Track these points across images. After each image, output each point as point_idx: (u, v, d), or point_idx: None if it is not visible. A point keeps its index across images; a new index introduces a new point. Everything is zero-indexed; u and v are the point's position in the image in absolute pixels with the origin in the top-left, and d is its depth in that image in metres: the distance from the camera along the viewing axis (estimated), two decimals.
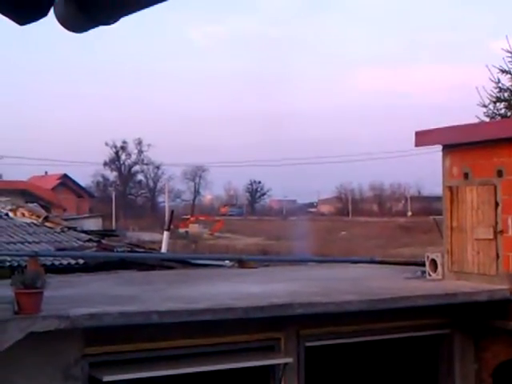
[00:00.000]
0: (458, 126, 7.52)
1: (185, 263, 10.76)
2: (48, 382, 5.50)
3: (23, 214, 15.94)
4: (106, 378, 5.58)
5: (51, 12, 2.44)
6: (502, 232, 6.97)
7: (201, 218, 72.28)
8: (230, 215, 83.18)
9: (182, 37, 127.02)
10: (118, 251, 12.19)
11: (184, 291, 6.75)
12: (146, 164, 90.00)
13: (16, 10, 2.37)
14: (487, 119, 15.21)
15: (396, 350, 7.88)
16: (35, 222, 14.98)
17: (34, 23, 2.44)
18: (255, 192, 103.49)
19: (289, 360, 6.37)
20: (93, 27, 2.42)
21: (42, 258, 10.28)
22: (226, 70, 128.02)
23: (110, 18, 2.35)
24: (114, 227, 43.92)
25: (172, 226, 22.69)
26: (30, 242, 12.82)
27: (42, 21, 2.41)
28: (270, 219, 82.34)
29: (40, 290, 5.16)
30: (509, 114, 15.45)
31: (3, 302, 5.17)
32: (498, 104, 15.68)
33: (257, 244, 50.23)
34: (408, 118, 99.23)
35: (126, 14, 2.32)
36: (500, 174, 7.01)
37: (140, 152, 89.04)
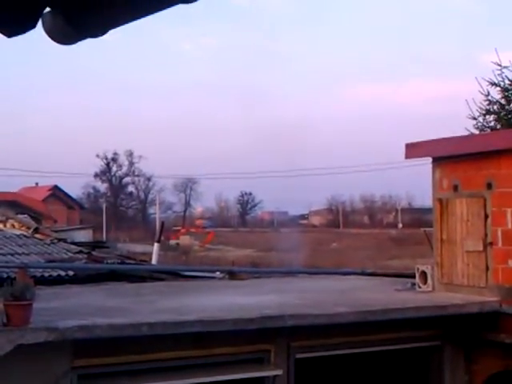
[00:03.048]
0: (447, 138, 7.55)
1: (175, 275, 10.72)
2: None
3: (13, 226, 15.88)
4: None
5: (39, 24, 2.44)
6: (491, 244, 6.99)
7: (192, 230, 72.15)
8: (204, 227, 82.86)
9: (173, 48, 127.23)
10: (108, 263, 12.14)
11: (174, 303, 6.74)
12: (137, 176, 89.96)
13: (4, 22, 2.37)
14: (477, 132, 15.28)
15: (387, 362, 7.87)
16: (25, 233, 14.92)
17: (21, 35, 2.44)
18: (246, 204, 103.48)
19: (279, 372, 6.35)
20: (81, 39, 2.42)
21: (31, 270, 10.25)
22: (218, 81, 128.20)
23: (98, 30, 2.35)
24: (104, 239, 43.76)
25: (163, 238, 22.67)
26: (19, 254, 12.75)
27: (30, 33, 2.41)
28: (261, 231, 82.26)
29: (29, 301, 5.14)
30: (498, 126, 15.53)
31: None
32: (487, 116, 15.76)
33: (248, 256, 50.13)
34: (399, 130, 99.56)
35: (115, 27, 2.33)
36: (489, 186, 7.04)
37: (131, 164, 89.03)
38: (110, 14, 2.28)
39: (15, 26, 2.40)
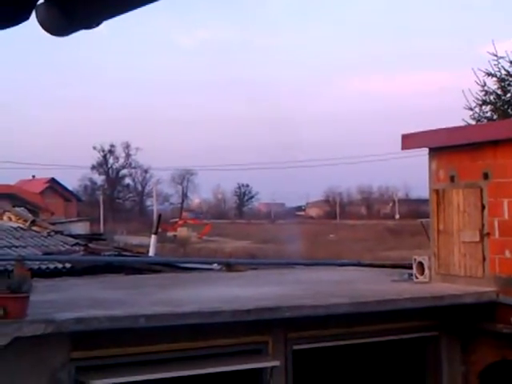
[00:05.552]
0: (444, 128, 7.54)
1: (173, 267, 10.71)
2: None
3: (10, 218, 15.86)
4: (93, 383, 5.56)
5: (33, 16, 2.43)
6: (488, 234, 7.00)
7: (189, 222, 72.10)
8: (194, 219, 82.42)
9: (170, 40, 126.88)
10: (105, 255, 12.13)
11: (172, 295, 6.74)
12: (134, 168, 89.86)
13: None
14: (473, 122, 15.27)
15: (384, 353, 7.88)
16: (22, 226, 14.90)
17: (15, 27, 2.43)
18: (243, 195, 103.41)
19: (276, 363, 6.36)
20: (75, 31, 2.41)
21: (28, 262, 10.22)
22: (215, 74, 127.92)
23: (92, 21, 2.34)
24: (101, 231, 43.77)
25: (160, 230, 22.62)
26: (16, 247, 12.73)
27: (24, 24, 2.40)
28: (258, 222, 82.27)
29: (26, 294, 5.14)
30: (495, 116, 15.52)
31: None
32: (484, 107, 15.75)
33: (245, 247, 50.16)
34: (396, 122, 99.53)
35: (109, 18, 2.31)
36: (486, 176, 7.04)
37: (128, 155, 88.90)
38: (104, 5, 2.27)
39: (8, 17, 2.39)
